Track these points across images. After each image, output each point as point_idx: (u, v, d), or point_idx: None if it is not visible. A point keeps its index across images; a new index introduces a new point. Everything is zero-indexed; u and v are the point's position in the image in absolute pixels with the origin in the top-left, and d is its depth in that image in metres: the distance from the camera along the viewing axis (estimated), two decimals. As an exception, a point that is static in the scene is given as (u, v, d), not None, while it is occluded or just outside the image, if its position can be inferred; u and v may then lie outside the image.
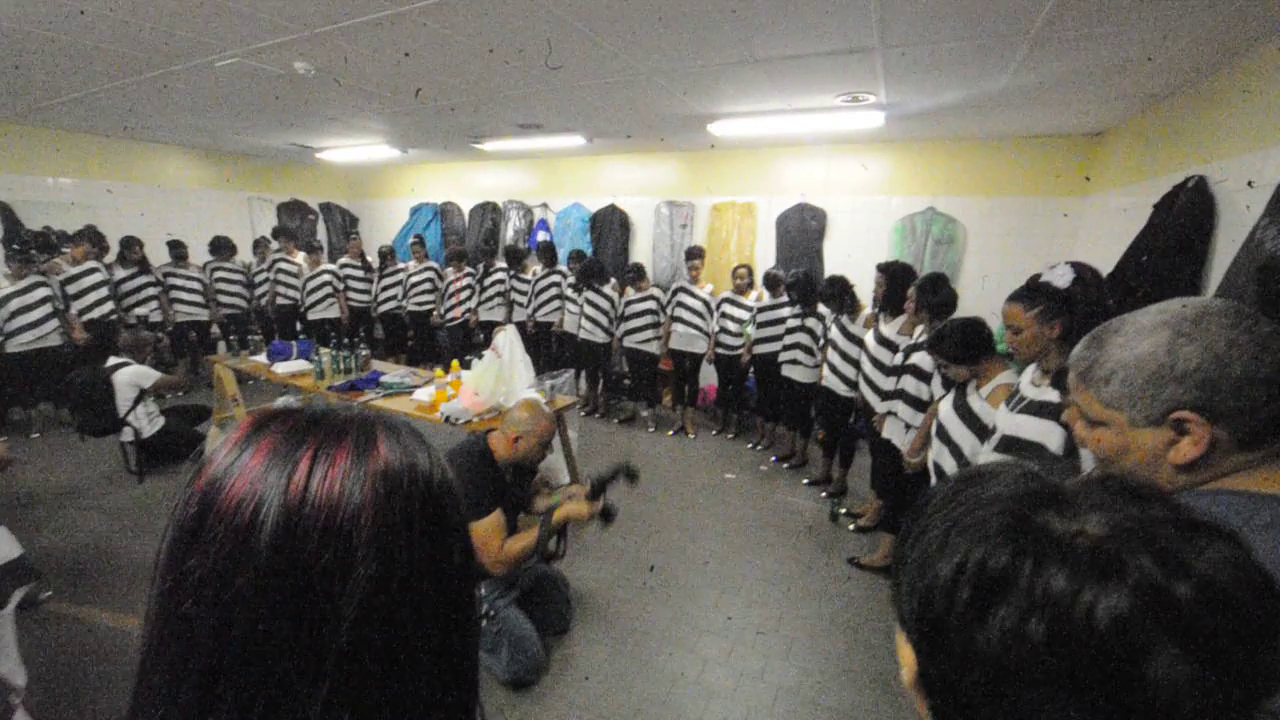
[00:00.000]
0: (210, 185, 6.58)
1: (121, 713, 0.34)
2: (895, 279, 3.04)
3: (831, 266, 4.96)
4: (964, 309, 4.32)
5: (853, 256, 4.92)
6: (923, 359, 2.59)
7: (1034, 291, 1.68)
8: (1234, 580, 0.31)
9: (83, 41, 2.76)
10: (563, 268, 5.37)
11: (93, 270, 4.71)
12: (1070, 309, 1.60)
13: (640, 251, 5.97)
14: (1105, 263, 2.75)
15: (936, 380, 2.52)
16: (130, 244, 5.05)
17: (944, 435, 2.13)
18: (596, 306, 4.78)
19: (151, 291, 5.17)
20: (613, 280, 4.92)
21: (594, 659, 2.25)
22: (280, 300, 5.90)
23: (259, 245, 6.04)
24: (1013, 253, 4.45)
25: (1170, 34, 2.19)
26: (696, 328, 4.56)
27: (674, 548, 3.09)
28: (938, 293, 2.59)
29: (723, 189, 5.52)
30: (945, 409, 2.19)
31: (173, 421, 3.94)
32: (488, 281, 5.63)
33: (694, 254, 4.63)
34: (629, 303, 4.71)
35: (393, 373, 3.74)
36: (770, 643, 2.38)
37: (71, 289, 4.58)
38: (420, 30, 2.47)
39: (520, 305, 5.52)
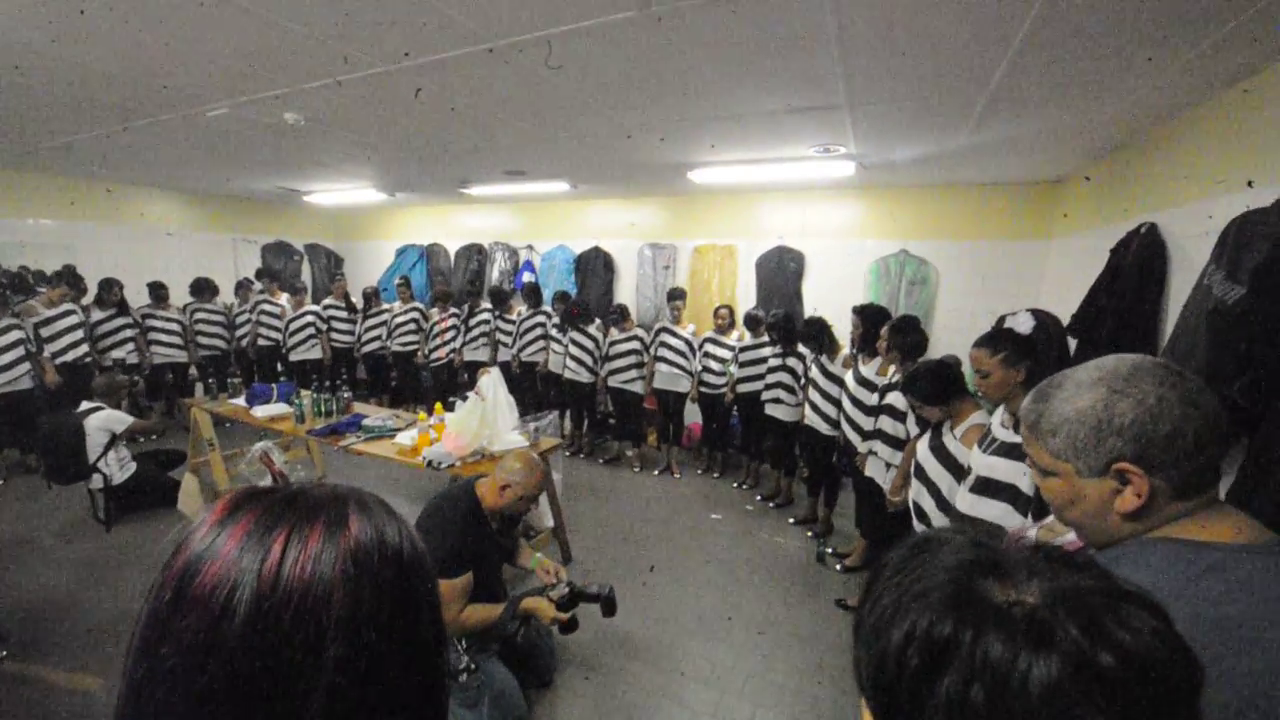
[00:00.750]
0: (195, 227, 6.60)
1: None
2: (870, 321, 3.13)
3: (810, 306, 5.09)
4: (938, 348, 4.48)
5: (830, 297, 5.06)
6: (898, 399, 2.65)
7: (998, 337, 1.75)
8: (1154, 650, 0.34)
9: (74, 91, 2.82)
10: (547, 308, 5.43)
11: (69, 312, 4.64)
12: (1033, 354, 1.67)
13: (624, 292, 6.07)
14: (1069, 303, 2.87)
15: (912, 419, 2.57)
16: (109, 285, 5.00)
17: (922, 475, 2.17)
18: (581, 346, 4.82)
19: (129, 333, 5.11)
20: (597, 321, 4.98)
21: (578, 712, 2.19)
22: (261, 341, 5.85)
23: (240, 287, 6.02)
24: (982, 293, 4.62)
25: (1123, 91, 2.36)
26: (680, 367, 4.61)
27: (661, 592, 3.04)
28: (908, 334, 2.68)
29: (704, 232, 5.68)
30: (922, 449, 2.23)
31: (145, 467, 3.83)
32: (473, 322, 5.66)
33: (676, 295, 4.72)
34: (613, 343, 4.77)
35: (375, 415, 3.71)
36: (759, 689, 2.33)
37: (46, 331, 4.49)
38: (409, 87, 2.57)
39: (505, 345, 5.54)
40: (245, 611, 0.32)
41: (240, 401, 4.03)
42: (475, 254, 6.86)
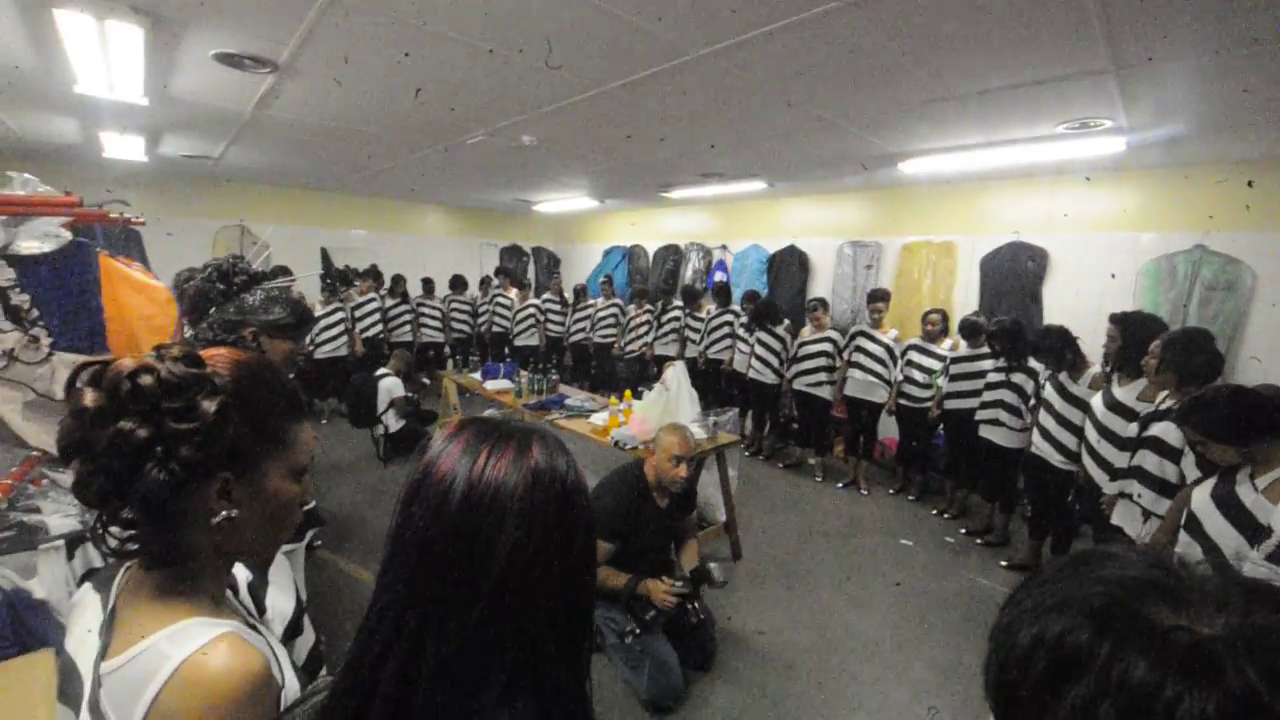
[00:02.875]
0: (452, 234, 8.17)
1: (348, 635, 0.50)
2: (1135, 333, 2.52)
3: (1053, 315, 4.25)
4: (1245, 376, 3.42)
5: (1082, 304, 4.17)
6: (1169, 431, 2.09)
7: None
8: None
9: (379, 134, 3.70)
10: (736, 307, 5.46)
11: (371, 300, 6.11)
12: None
13: (819, 293, 5.80)
14: None
15: (1189, 460, 2.01)
16: (398, 280, 6.45)
17: (1196, 529, 1.69)
18: (768, 347, 4.75)
19: (407, 317, 6.51)
20: (786, 322, 4.85)
21: (732, 705, 2.20)
22: (495, 328, 6.96)
23: (484, 283, 7.24)
24: (1334, 304, 3.36)
25: None
26: (877, 375, 4.25)
27: (832, 609, 2.87)
28: (1192, 354, 2.09)
29: (915, 228, 5.13)
30: (1200, 497, 1.74)
31: (412, 422, 4.87)
32: (664, 318, 5.96)
33: (877, 296, 4.35)
34: (802, 344, 4.60)
35: (576, 397, 4.16)
36: (939, 741, 2.07)
37: (358, 313, 5.99)
38: (617, 102, 2.83)
39: (693, 342, 5.72)
40: (460, 493, 0.46)
41: (477, 376, 4.87)
42: (672, 254, 7.20)
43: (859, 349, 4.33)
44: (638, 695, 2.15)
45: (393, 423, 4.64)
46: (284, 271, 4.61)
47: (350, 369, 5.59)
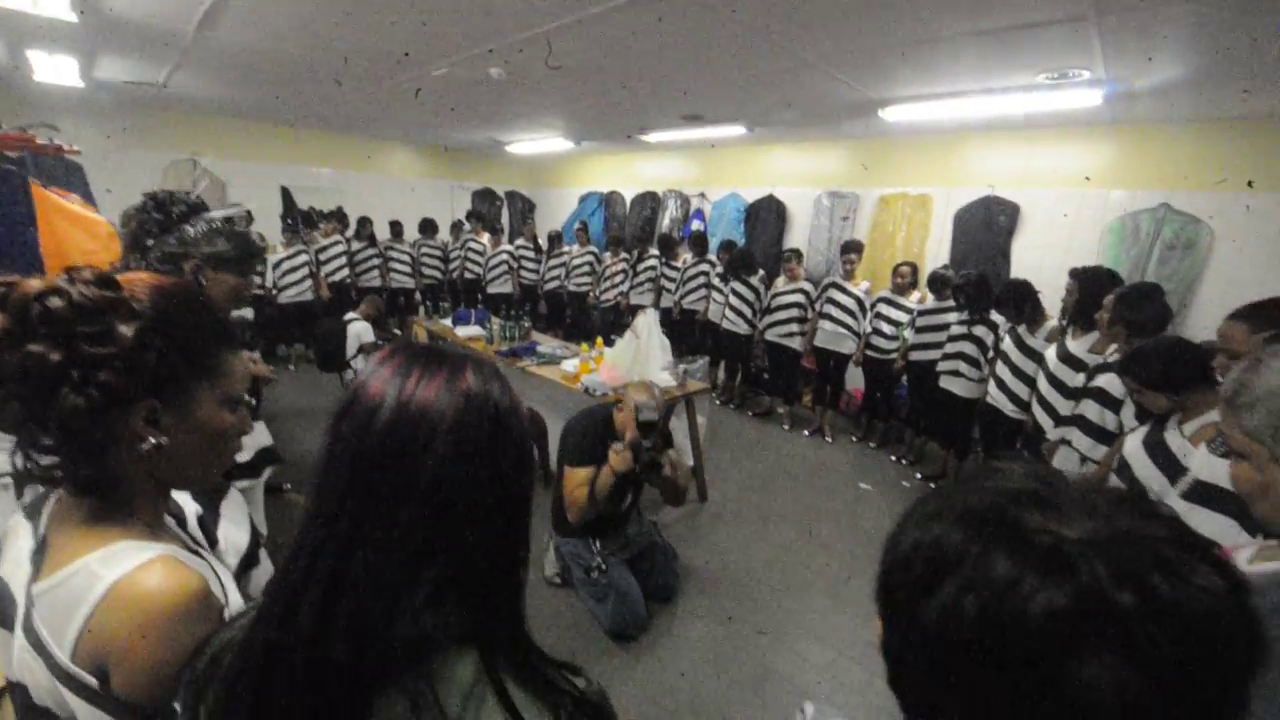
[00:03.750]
0: (422, 175, 7.82)
1: None
2: (1090, 287, 2.59)
3: (1020, 270, 4.33)
4: (1198, 333, 3.56)
5: (1049, 259, 4.25)
6: (1111, 382, 2.19)
7: (1265, 312, 1.35)
8: (1201, 605, 0.30)
9: (335, 61, 3.47)
10: (712, 257, 5.43)
11: (337, 243, 5.90)
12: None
13: (795, 243, 5.77)
14: None
15: (1128, 410, 2.12)
16: (364, 223, 6.21)
17: (1124, 472, 1.80)
18: (741, 297, 4.76)
19: (375, 262, 6.31)
20: (761, 272, 4.85)
21: (693, 633, 2.33)
22: (467, 274, 6.81)
23: (456, 227, 7.02)
24: (1277, 267, 3.49)
25: None
26: (846, 326, 4.31)
27: (792, 547, 3.02)
28: (1142, 308, 2.16)
29: (893, 179, 5.10)
30: (1132, 444, 1.84)
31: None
32: (640, 267, 5.90)
33: (850, 248, 4.37)
34: (775, 294, 4.62)
35: (548, 344, 4.15)
36: (876, 659, 2.24)
37: (322, 256, 5.78)
38: (589, 36, 2.69)
39: (668, 291, 5.70)
40: (388, 411, 0.47)
41: (448, 322, 4.80)
42: (649, 201, 7.06)
43: (830, 300, 4.38)
44: (602, 625, 2.26)
45: (362, 368, 4.58)
46: (245, 217, 4.41)
47: (317, 315, 5.45)
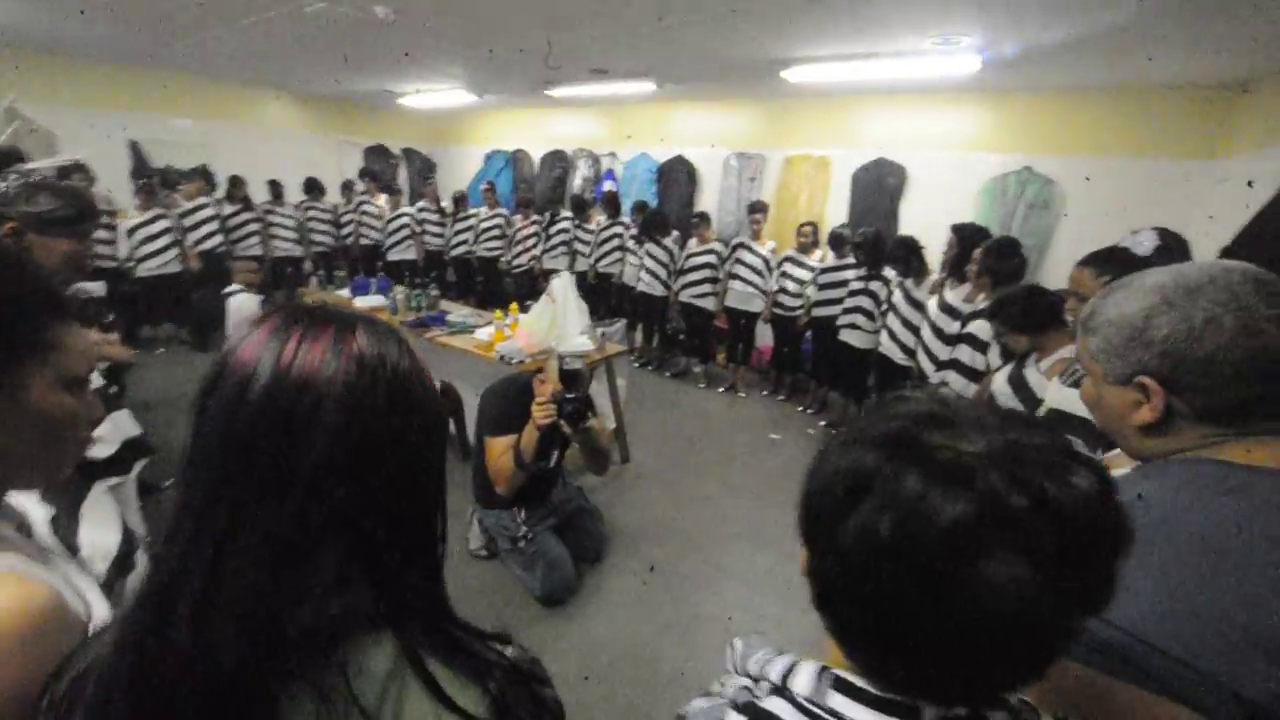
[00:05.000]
0: (305, 128, 7.02)
1: None
2: (967, 242, 2.85)
3: (908, 228, 4.66)
4: (1053, 281, 4.02)
5: (932, 218, 4.59)
6: (981, 327, 2.46)
7: (1108, 257, 1.55)
8: (1077, 502, 0.34)
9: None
10: (626, 219, 5.38)
11: (204, 206, 5.21)
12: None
13: (706, 205, 5.86)
14: (1228, 240, 2.45)
15: (994, 351, 2.39)
16: (237, 182, 5.52)
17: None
18: (656, 259, 4.79)
19: (254, 227, 5.65)
20: (674, 233, 4.88)
21: (622, 588, 2.41)
22: (363, 240, 6.30)
23: (346, 187, 6.43)
24: (1117, 221, 3.99)
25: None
26: (755, 285, 4.48)
27: (712, 498, 3.18)
28: (1004, 259, 2.43)
29: (797, 141, 5.27)
30: (999, 381, 2.09)
31: (270, 345, 4.39)
32: (553, 230, 5.74)
33: (757, 208, 4.50)
34: (688, 256, 4.69)
35: (459, 313, 3.97)
36: (793, 596, 2.44)
37: (187, 222, 5.08)
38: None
39: (583, 255, 5.61)
40: (264, 380, 0.42)
41: (345, 293, 4.44)
42: (559, 161, 6.83)
43: (739, 261, 4.51)
44: (533, 593, 2.28)
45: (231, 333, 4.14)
46: (79, 169, 3.76)
47: (187, 289, 4.85)
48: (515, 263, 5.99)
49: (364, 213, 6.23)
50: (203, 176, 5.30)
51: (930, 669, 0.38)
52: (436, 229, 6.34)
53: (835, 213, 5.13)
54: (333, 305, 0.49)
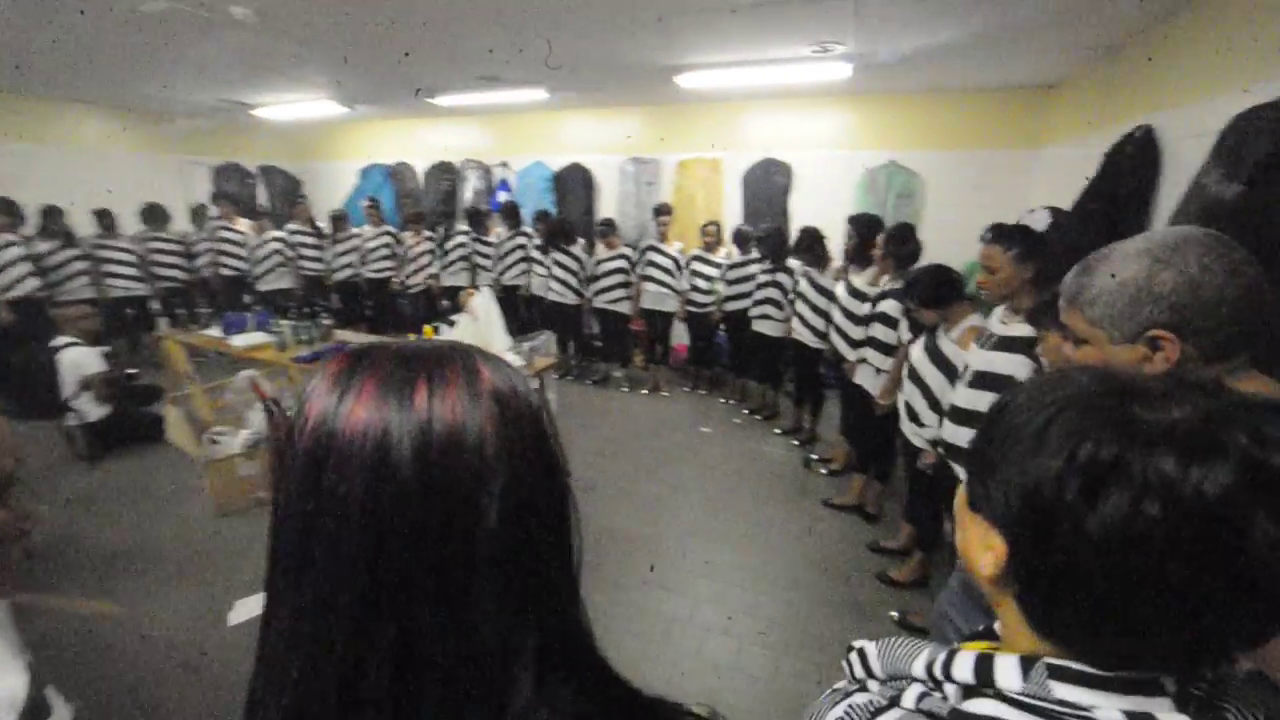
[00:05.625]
0: (136, 148, 6.04)
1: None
2: (864, 231, 3.12)
3: (798, 222, 5.01)
4: (924, 260, 4.49)
5: (819, 212, 4.96)
6: (891, 306, 2.69)
7: (1012, 234, 1.76)
8: None
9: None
10: (528, 229, 5.25)
11: (10, 244, 4.31)
12: (1044, 252, 1.69)
13: (606, 210, 5.88)
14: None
15: (904, 325, 2.63)
16: (52, 214, 4.63)
17: (915, 377, 2.24)
18: (565, 268, 4.72)
19: (80, 266, 4.78)
20: (580, 240, 4.84)
21: (592, 605, 2.32)
22: (224, 271, 5.55)
23: (198, 213, 5.65)
24: (970, 205, 4.59)
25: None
26: (668, 286, 4.57)
27: (656, 500, 3.18)
28: (905, 243, 2.68)
29: (688, 145, 5.46)
30: (916, 352, 2.30)
31: (122, 404, 3.72)
32: (449, 245, 5.45)
33: (662, 210, 4.59)
34: (599, 262, 4.67)
35: (359, 341, 3.63)
36: (757, 581, 2.51)
37: (-12, 264, 4.19)
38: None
39: (485, 269, 5.38)
40: (409, 447, 0.33)
41: (215, 332, 3.89)
42: (446, 173, 6.51)
43: (650, 263, 4.58)
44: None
45: (91, 409, 3.48)
46: None
47: (-3, 344, 3.98)
48: (410, 283, 5.61)
49: (222, 239, 5.49)
50: (3, 210, 4.38)
51: (1165, 639, 0.37)
52: (313, 252, 5.76)
53: (731, 211, 5.38)
54: (417, 340, 0.42)
